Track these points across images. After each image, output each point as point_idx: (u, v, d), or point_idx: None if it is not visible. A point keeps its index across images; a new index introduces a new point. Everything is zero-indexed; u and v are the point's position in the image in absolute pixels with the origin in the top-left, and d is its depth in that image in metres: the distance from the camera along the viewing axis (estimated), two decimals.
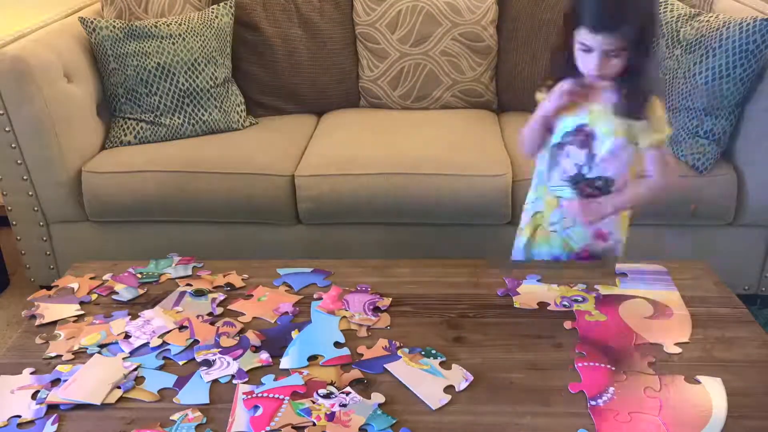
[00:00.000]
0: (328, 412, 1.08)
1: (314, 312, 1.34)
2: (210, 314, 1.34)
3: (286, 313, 1.34)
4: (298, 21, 2.36)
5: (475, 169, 1.98)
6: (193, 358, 1.21)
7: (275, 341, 1.26)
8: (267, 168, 2.04)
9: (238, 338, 1.26)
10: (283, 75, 2.37)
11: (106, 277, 1.48)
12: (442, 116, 2.36)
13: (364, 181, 1.99)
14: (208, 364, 1.20)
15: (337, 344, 1.24)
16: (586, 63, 1.31)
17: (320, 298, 1.38)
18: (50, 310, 1.36)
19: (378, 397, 1.10)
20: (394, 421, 1.06)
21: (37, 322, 1.33)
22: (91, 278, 1.48)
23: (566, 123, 1.44)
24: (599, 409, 1.07)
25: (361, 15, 2.39)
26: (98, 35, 2.14)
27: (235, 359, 1.20)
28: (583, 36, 1.27)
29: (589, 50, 1.29)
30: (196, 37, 2.21)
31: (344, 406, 1.09)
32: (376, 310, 1.34)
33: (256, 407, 1.09)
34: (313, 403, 1.10)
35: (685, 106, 1.96)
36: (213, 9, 2.27)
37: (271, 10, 2.35)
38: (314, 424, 1.05)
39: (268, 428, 1.05)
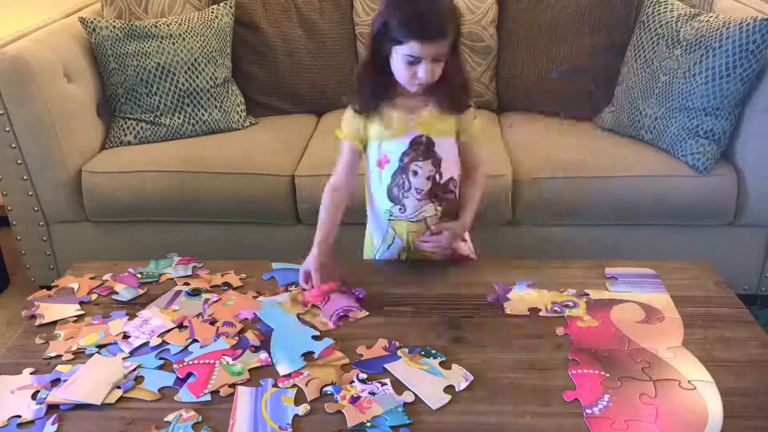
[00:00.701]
0: (355, 395, 1.11)
1: (269, 316, 1.33)
2: (211, 314, 1.35)
3: (246, 320, 1.33)
4: (298, 21, 2.36)
5: None
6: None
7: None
8: (267, 168, 2.04)
9: (237, 338, 1.26)
10: (283, 75, 2.37)
11: (106, 277, 1.48)
12: None
13: (364, 181, 1.98)
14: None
15: (315, 337, 1.25)
16: (413, 74, 1.31)
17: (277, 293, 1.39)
18: (50, 310, 1.36)
19: (408, 396, 1.11)
20: (408, 422, 1.06)
21: (37, 322, 1.33)
22: (91, 278, 1.48)
23: (394, 146, 1.41)
24: (595, 417, 1.06)
25: (361, 15, 2.39)
26: (98, 35, 2.14)
27: (234, 359, 1.21)
28: (411, 48, 1.28)
29: (417, 61, 1.29)
30: (196, 37, 2.21)
31: (373, 394, 1.11)
32: (343, 318, 1.32)
33: (190, 374, 1.15)
34: (350, 383, 1.14)
35: (685, 106, 1.96)
36: (213, 9, 2.27)
37: (271, 10, 2.35)
38: (337, 401, 1.10)
39: (206, 390, 1.13)
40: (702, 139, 1.95)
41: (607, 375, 1.15)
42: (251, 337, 1.26)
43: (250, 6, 2.33)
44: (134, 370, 1.19)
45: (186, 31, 2.20)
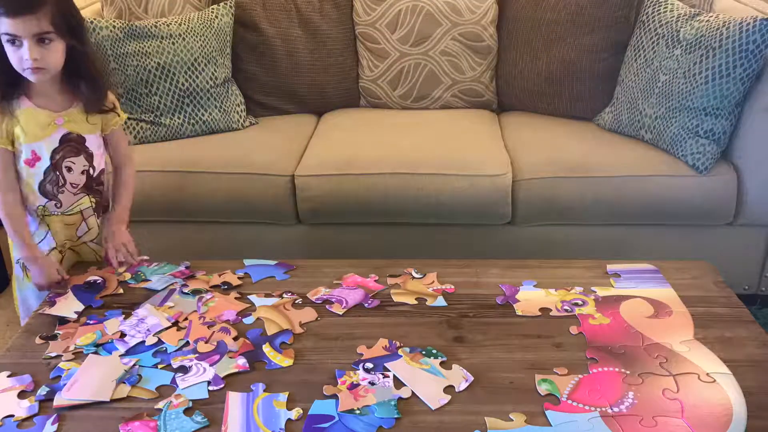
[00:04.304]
0: (355, 382, 1.12)
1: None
2: (205, 312, 1.35)
3: (228, 321, 1.32)
4: (298, 21, 2.36)
5: (475, 169, 1.98)
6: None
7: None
8: (267, 168, 2.04)
9: (215, 343, 1.25)
10: (283, 75, 2.37)
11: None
12: (442, 116, 2.36)
13: (364, 181, 1.99)
14: (184, 370, 1.19)
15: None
16: (20, 55, 1.29)
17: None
18: (59, 305, 1.38)
19: (405, 392, 1.12)
20: (397, 416, 1.07)
21: (45, 309, 1.35)
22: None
23: (45, 144, 1.42)
24: (623, 415, 1.06)
25: (361, 15, 2.39)
26: (98, 35, 2.14)
27: (211, 365, 1.19)
28: (6, 27, 1.27)
29: (18, 41, 1.28)
30: (196, 37, 2.21)
31: (372, 384, 1.12)
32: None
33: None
34: (354, 369, 1.15)
35: (685, 106, 1.96)
36: (213, 9, 2.27)
37: (271, 10, 2.35)
38: (335, 386, 1.13)
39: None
40: (702, 139, 1.95)
41: (627, 372, 1.15)
42: (230, 343, 1.25)
43: (250, 6, 2.33)
44: (134, 365, 1.19)
45: (186, 31, 2.20)
